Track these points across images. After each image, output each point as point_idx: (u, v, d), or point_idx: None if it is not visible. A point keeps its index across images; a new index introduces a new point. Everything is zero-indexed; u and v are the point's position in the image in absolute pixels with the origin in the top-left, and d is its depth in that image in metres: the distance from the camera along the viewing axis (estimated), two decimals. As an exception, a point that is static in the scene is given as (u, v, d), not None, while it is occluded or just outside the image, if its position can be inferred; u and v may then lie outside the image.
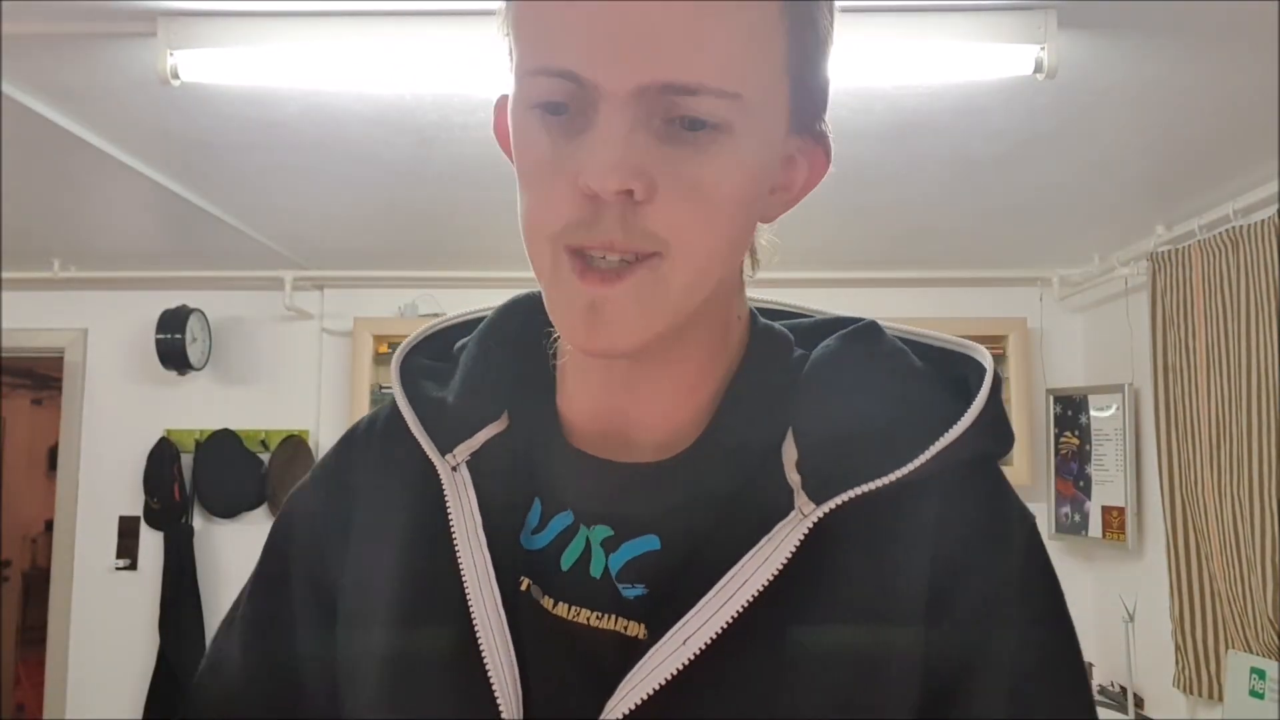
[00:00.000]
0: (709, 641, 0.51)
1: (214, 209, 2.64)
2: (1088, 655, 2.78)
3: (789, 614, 0.53)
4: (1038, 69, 1.60)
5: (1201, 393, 2.50)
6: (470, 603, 0.55)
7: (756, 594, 0.52)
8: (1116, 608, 2.93)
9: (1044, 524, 3.29)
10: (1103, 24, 1.59)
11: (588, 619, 0.55)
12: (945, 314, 3.37)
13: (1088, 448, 3.13)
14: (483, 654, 0.54)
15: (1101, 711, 3.01)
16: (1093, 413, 3.13)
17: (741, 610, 0.51)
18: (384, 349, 3.38)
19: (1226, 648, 2.46)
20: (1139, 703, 2.92)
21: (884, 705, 0.53)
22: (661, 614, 0.53)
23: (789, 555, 0.53)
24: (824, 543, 0.54)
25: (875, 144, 2.13)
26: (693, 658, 0.51)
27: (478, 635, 0.54)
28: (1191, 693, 2.59)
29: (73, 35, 1.62)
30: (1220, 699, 2.47)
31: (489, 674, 0.53)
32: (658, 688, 0.51)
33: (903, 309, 3.39)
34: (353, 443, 0.69)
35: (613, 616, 0.55)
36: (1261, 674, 2.29)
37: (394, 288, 3.43)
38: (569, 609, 0.56)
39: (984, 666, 0.55)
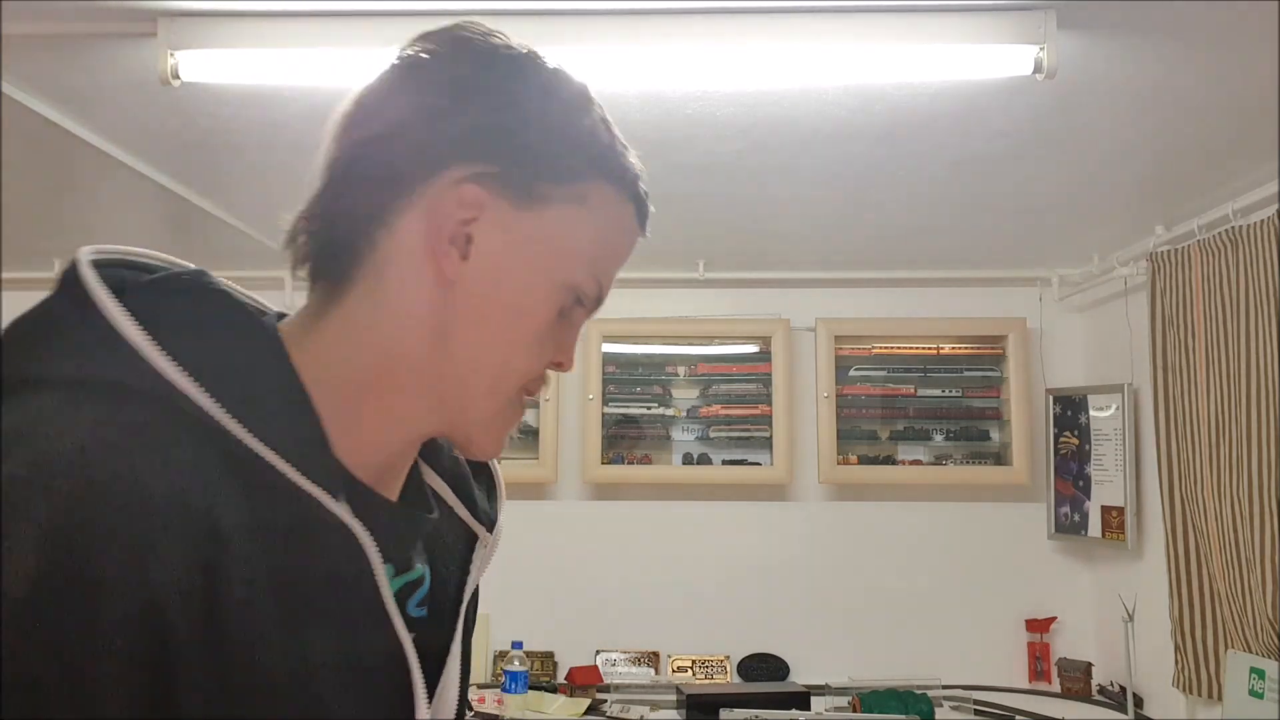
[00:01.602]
0: (460, 648, 0.73)
1: (214, 209, 2.64)
2: (1088, 655, 2.76)
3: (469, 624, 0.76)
4: (1037, 69, 1.60)
5: (1201, 392, 2.50)
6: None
7: (466, 606, 0.74)
8: (1116, 608, 2.93)
9: (1043, 524, 3.30)
10: (1102, 24, 1.59)
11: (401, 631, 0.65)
12: (945, 314, 3.38)
13: (1087, 447, 3.13)
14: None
15: (1102, 711, 3.01)
16: (1092, 412, 3.13)
17: (463, 619, 0.73)
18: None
19: (1226, 647, 2.46)
20: (1139, 703, 2.92)
21: None
22: (437, 628, 0.71)
23: (480, 576, 0.76)
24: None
25: (875, 144, 2.14)
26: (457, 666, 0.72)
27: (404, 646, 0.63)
28: (1191, 693, 2.59)
29: (73, 35, 1.63)
30: (1220, 699, 2.47)
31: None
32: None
33: (903, 309, 3.40)
34: None
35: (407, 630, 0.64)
36: (1261, 674, 2.29)
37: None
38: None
39: None
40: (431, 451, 0.73)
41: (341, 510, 0.57)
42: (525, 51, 0.68)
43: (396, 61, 0.68)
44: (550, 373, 0.68)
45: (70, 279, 0.57)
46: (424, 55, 0.67)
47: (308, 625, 0.55)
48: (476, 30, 0.68)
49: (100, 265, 0.59)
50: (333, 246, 0.64)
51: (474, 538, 0.75)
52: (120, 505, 0.49)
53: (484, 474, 0.79)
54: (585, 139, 0.66)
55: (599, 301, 0.68)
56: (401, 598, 0.65)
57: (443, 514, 0.73)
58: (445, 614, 0.71)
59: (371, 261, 0.62)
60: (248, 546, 0.52)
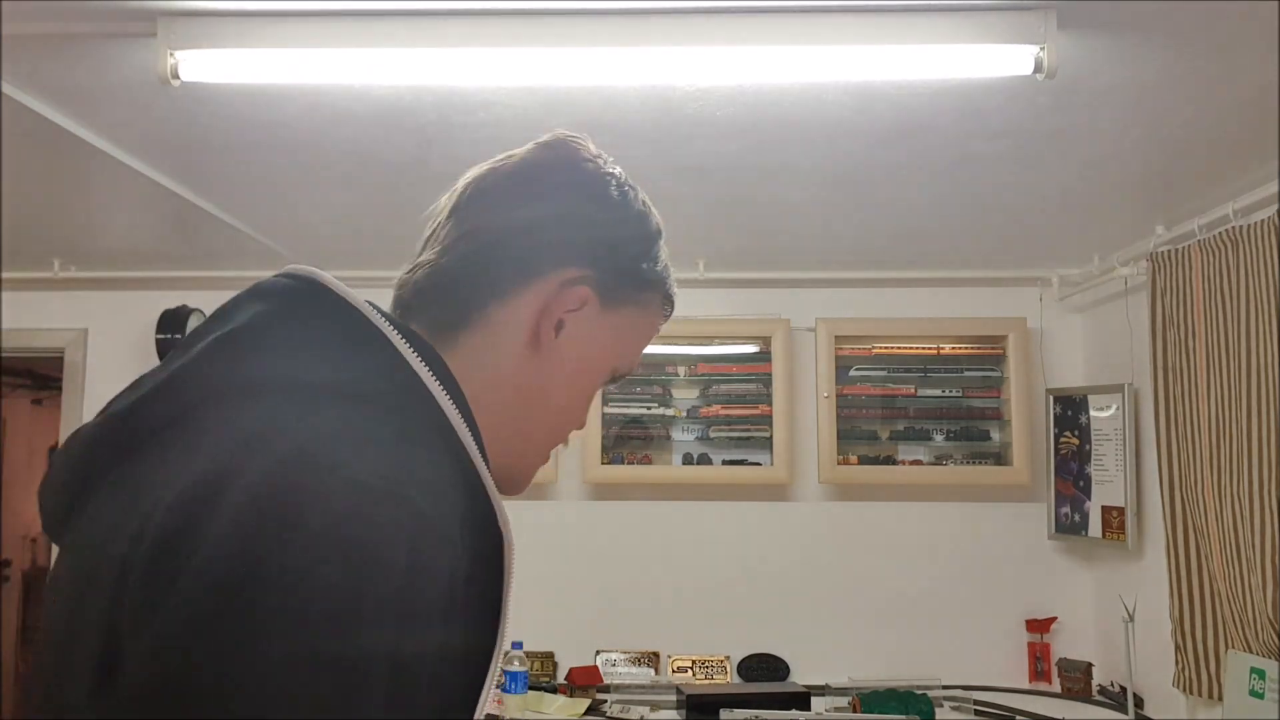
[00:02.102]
0: None
1: (214, 209, 2.64)
2: (1088, 655, 2.76)
3: None
4: (1037, 69, 1.60)
5: (1201, 393, 2.50)
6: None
7: None
8: (1116, 608, 2.93)
9: (1043, 524, 3.30)
10: (1102, 24, 1.59)
11: None
12: (945, 314, 3.38)
13: (1087, 447, 3.13)
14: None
15: (1102, 712, 3.01)
16: (1092, 412, 3.13)
17: None
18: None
19: (1226, 647, 2.46)
20: (1139, 703, 2.92)
21: None
22: None
23: None
24: None
25: (875, 144, 2.13)
26: None
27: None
28: (1191, 693, 2.59)
29: (73, 35, 1.62)
30: (1220, 699, 2.47)
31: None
32: None
33: (903, 309, 3.40)
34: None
35: None
36: (1261, 674, 2.29)
37: (393, 288, 3.43)
38: None
39: None
40: None
41: (504, 524, 0.69)
42: (623, 175, 0.83)
43: (523, 158, 0.82)
44: None
45: (342, 308, 0.68)
46: (549, 162, 0.81)
47: (482, 615, 0.66)
48: (586, 147, 0.83)
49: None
50: (451, 303, 0.77)
51: None
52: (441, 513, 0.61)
53: None
54: (659, 263, 0.84)
55: (628, 374, 0.87)
56: None
57: None
58: None
59: (481, 323, 0.76)
60: (470, 553, 0.64)
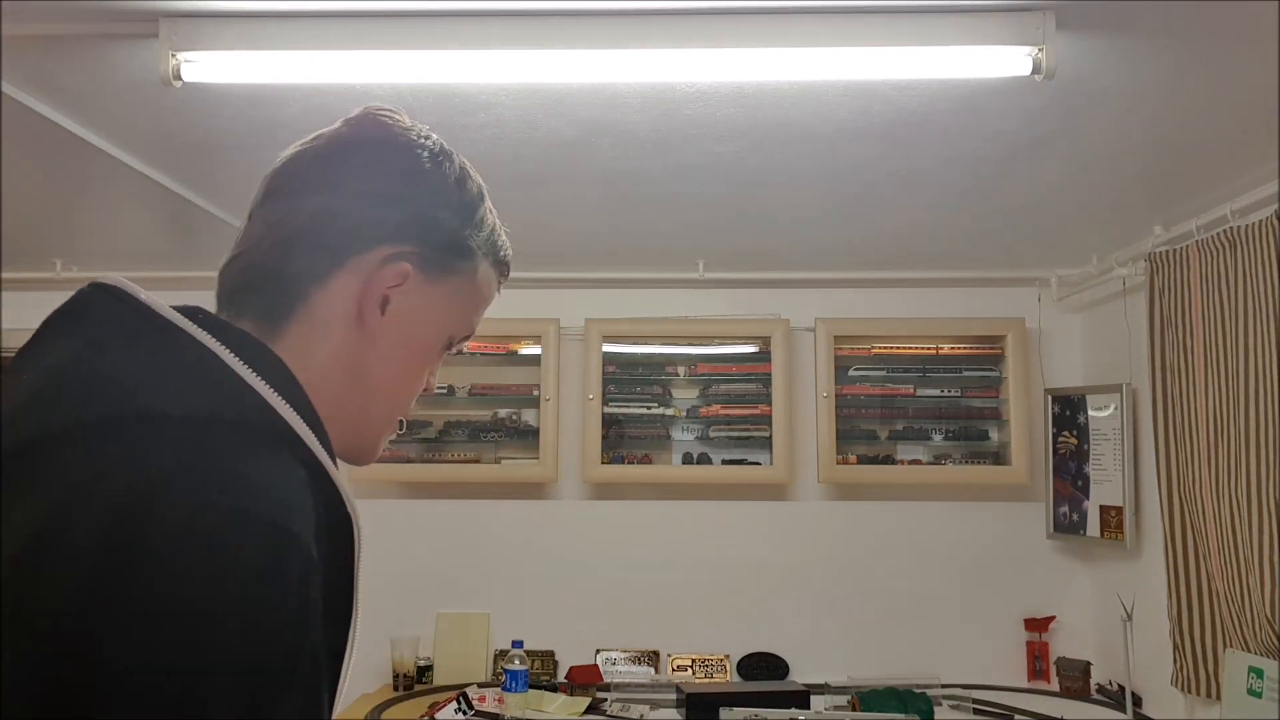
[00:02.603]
0: None
1: (215, 209, 2.65)
2: (1086, 654, 2.77)
3: None
4: (1036, 70, 1.60)
5: (1199, 392, 2.51)
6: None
7: None
8: (1114, 607, 2.94)
9: (1042, 523, 3.30)
10: (1101, 25, 1.60)
11: None
12: (944, 314, 3.38)
13: (1086, 447, 3.14)
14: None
15: (1100, 711, 3.02)
16: (1091, 412, 3.13)
17: None
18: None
19: (1224, 647, 2.46)
20: (1137, 702, 2.93)
21: None
22: None
23: None
24: None
25: (875, 144, 2.14)
26: None
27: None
28: (1190, 692, 2.60)
29: (74, 36, 1.63)
30: (1218, 698, 2.48)
31: None
32: None
33: (902, 309, 3.40)
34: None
35: None
36: (1259, 673, 2.30)
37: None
38: None
39: None
40: None
41: (353, 513, 0.69)
42: (440, 145, 0.84)
43: (331, 138, 0.82)
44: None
45: (164, 324, 0.67)
46: (357, 140, 0.82)
47: (334, 606, 0.66)
48: (397, 120, 0.83)
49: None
50: (272, 293, 0.77)
51: None
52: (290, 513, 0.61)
53: None
54: (483, 229, 0.84)
55: (466, 340, 0.88)
56: None
57: None
58: None
59: (305, 310, 0.76)
60: (322, 536, 0.65)
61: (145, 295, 0.68)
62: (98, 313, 0.69)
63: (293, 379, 0.70)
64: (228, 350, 0.66)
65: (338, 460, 0.74)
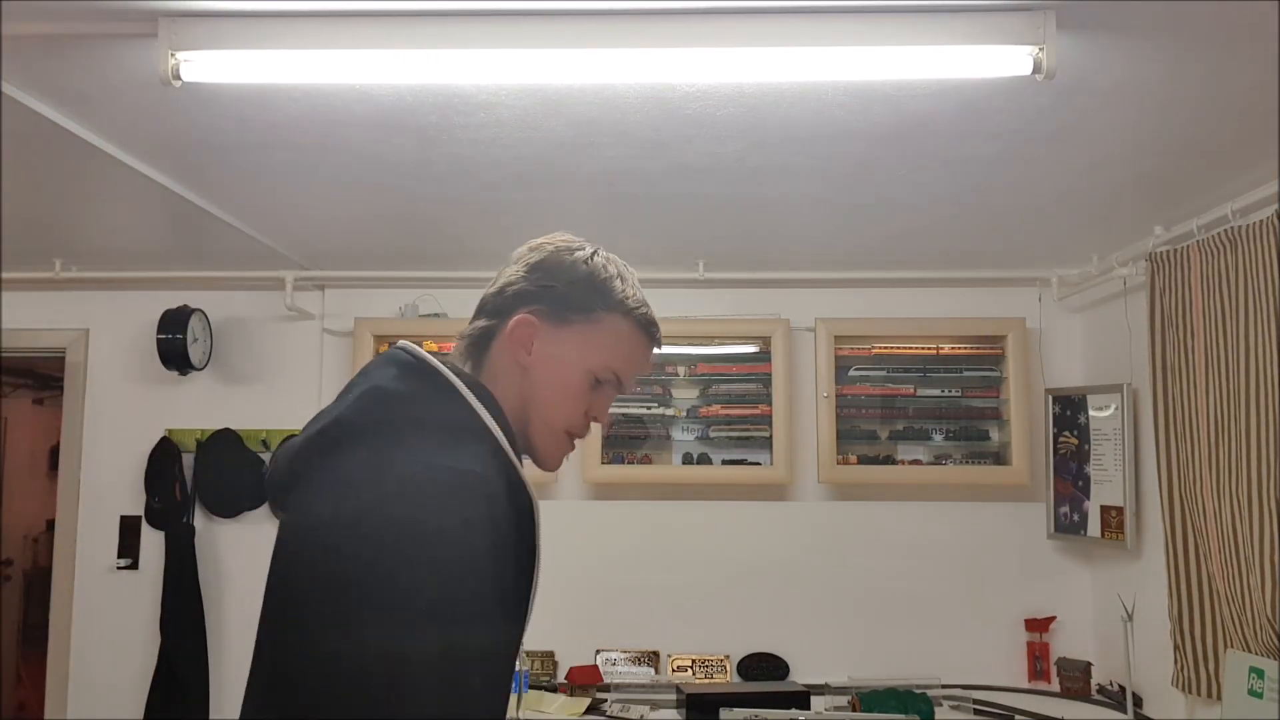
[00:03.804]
0: None
1: (215, 209, 2.65)
2: (1087, 654, 2.77)
3: None
4: (1036, 69, 1.60)
5: (1200, 392, 2.51)
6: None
7: None
8: (1115, 607, 2.93)
9: (1042, 523, 3.30)
10: (1101, 25, 1.60)
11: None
12: (944, 314, 3.38)
13: (1086, 447, 3.14)
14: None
15: (1101, 711, 3.02)
16: (1091, 412, 3.13)
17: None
18: (384, 349, 3.38)
19: (1225, 647, 2.46)
20: (1138, 702, 2.93)
21: None
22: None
23: None
24: None
25: (875, 144, 2.14)
26: None
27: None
28: (1190, 692, 2.59)
29: (73, 35, 1.63)
30: (1219, 698, 2.48)
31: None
32: None
33: (902, 309, 3.40)
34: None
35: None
36: (1260, 673, 2.30)
37: (395, 288, 3.44)
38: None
39: None
40: None
41: (531, 490, 1.11)
42: (594, 251, 1.23)
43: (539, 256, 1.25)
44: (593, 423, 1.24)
45: (428, 370, 1.13)
46: (545, 252, 1.23)
47: (515, 560, 1.08)
48: (576, 243, 1.24)
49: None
50: (478, 347, 1.21)
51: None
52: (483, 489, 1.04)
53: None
54: (601, 290, 1.20)
55: (619, 384, 1.23)
56: None
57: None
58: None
59: (490, 352, 1.20)
60: (506, 507, 1.05)
61: (422, 353, 1.14)
62: (397, 360, 1.13)
63: (494, 399, 1.13)
64: (461, 383, 1.11)
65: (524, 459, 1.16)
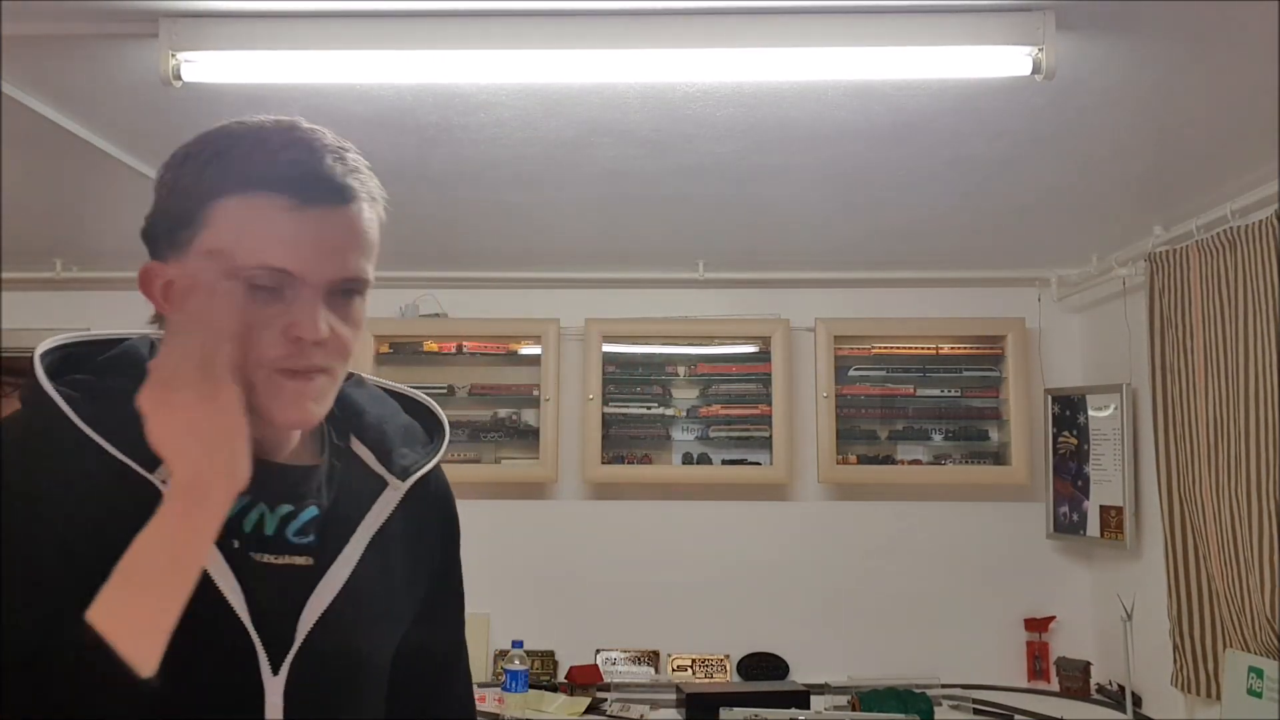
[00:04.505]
0: (355, 564, 0.90)
1: (215, 209, 2.65)
2: (1086, 654, 2.77)
3: (391, 547, 0.96)
4: (1036, 70, 1.60)
5: (1199, 393, 2.51)
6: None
7: (374, 533, 0.93)
8: (1115, 607, 2.94)
9: (1042, 523, 3.31)
10: (1100, 25, 1.60)
11: (270, 560, 0.87)
12: (944, 314, 3.38)
13: (1086, 447, 3.14)
14: (220, 588, 0.82)
15: (1100, 711, 3.02)
16: (1091, 412, 3.13)
17: (369, 543, 0.92)
18: (385, 349, 3.39)
19: (1224, 647, 2.46)
20: (1137, 701, 2.93)
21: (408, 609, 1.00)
22: (326, 549, 0.89)
23: (390, 510, 0.95)
24: (403, 505, 0.96)
25: (875, 144, 2.14)
26: (348, 576, 0.89)
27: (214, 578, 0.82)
28: (1189, 692, 2.60)
29: (74, 36, 1.63)
30: (1218, 698, 2.48)
31: (229, 600, 0.82)
32: (332, 598, 0.88)
33: (902, 309, 3.40)
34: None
35: (286, 556, 0.88)
36: (1259, 673, 2.30)
37: (395, 288, 3.44)
38: (260, 555, 0.86)
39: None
40: (359, 427, 0.98)
41: (137, 468, 0.81)
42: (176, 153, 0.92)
43: None
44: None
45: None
46: None
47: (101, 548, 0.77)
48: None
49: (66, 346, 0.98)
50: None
51: (384, 484, 0.97)
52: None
53: (429, 438, 1.04)
54: (200, 183, 0.85)
55: (281, 272, 0.82)
56: (281, 527, 0.88)
57: (349, 467, 0.96)
58: (334, 541, 0.91)
59: None
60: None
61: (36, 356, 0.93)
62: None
63: (88, 383, 0.93)
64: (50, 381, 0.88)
65: None
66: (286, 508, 0.89)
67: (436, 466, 1.02)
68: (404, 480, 0.96)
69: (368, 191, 0.89)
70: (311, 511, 0.90)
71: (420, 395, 1.07)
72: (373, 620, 0.93)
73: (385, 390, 1.06)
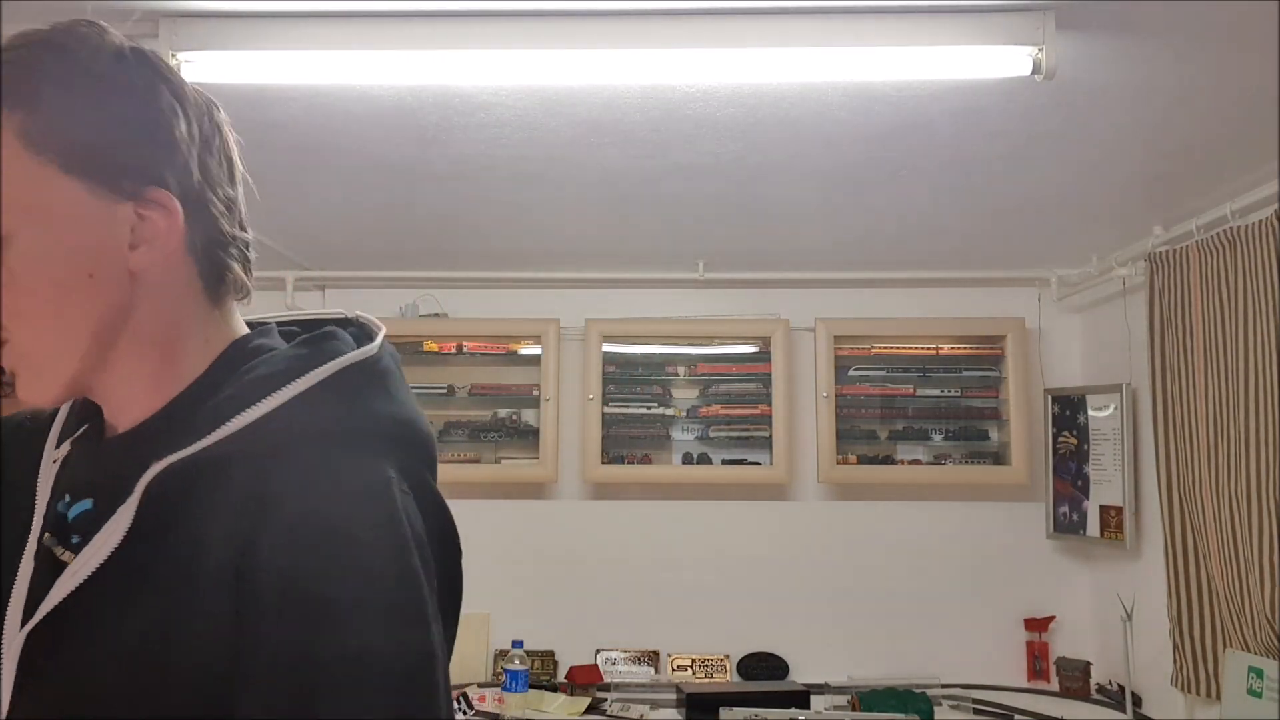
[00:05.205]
0: (99, 565, 0.71)
1: (215, 209, 2.64)
2: (1086, 654, 2.76)
3: (141, 554, 0.71)
4: (1036, 70, 1.60)
5: (1199, 392, 2.51)
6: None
7: (122, 537, 0.71)
8: (1114, 607, 2.94)
9: (1042, 523, 3.31)
10: (1100, 25, 1.60)
11: (60, 553, 0.76)
12: (944, 314, 3.38)
13: (1086, 447, 3.14)
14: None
15: (1100, 710, 3.02)
16: (1091, 412, 3.13)
17: (116, 547, 0.71)
18: (384, 349, 3.38)
19: (1224, 646, 2.47)
20: (1137, 701, 2.93)
21: (186, 629, 0.69)
22: (82, 548, 0.74)
23: (133, 514, 0.71)
24: (157, 506, 0.71)
25: (875, 144, 2.14)
26: (90, 575, 0.71)
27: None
28: (1189, 691, 2.60)
29: (75, 36, 1.63)
30: (1218, 698, 2.48)
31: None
32: (68, 594, 0.71)
33: (902, 309, 3.40)
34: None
35: (65, 550, 0.76)
36: (1259, 673, 2.30)
37: (395, 288, 3.44)
38: (58, 548, 0.77)
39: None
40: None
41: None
42: None
43: None
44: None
45: None
46: None
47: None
48: None
49: None
50: None
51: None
52: None
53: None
54: None
55: None
56: (77, 524, 0.77)
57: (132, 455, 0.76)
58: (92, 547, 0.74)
59: None
60: None
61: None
62: None
63: None
64: None
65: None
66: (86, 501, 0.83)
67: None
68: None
69: None
70: (86, 505, 0.81)
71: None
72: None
73: None
